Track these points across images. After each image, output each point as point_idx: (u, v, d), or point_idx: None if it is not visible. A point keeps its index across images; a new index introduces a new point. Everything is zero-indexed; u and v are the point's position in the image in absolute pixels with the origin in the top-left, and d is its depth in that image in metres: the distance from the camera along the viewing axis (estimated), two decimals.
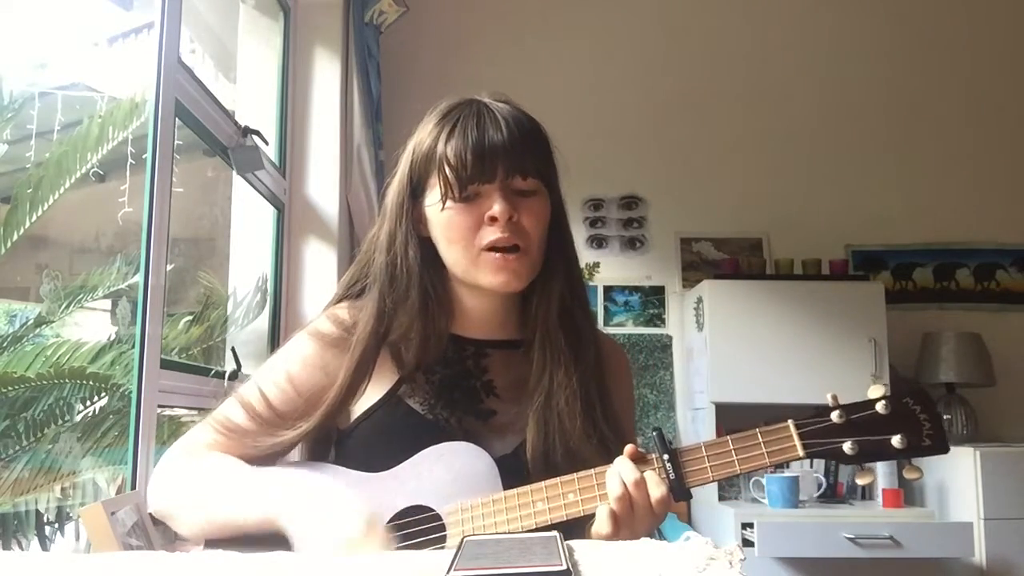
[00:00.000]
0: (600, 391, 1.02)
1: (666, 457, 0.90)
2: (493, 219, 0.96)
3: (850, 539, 2.42)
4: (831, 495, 2.74)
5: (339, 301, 1.10)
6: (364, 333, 1.01)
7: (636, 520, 0.88)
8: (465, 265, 0.99)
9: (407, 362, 1.02)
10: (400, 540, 0.92)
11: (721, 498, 2.78)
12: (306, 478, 0.93)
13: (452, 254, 1.00)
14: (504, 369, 1.06)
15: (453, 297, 1.05)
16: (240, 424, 1.01)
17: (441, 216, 0.99)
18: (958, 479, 2.66)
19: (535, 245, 1.00)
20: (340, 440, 1.07)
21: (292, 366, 1.04)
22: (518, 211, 0.97)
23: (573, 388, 0.99)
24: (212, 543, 0.96)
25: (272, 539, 0.92)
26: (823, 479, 2.71)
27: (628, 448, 0.92)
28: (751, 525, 2.48)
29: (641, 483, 0.89)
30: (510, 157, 0.97)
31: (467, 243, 0.98)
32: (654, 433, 0.92)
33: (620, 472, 0.90)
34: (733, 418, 2.67)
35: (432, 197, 1.00)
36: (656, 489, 0.89)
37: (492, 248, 0.97)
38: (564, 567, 0.58)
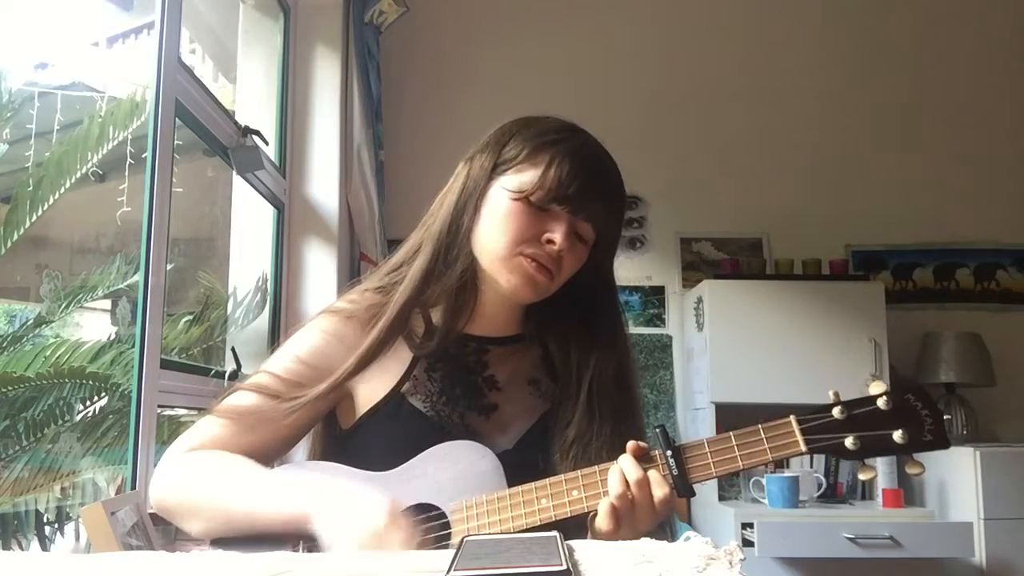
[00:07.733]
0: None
1: (669, 453, 0.91)
2: (550, 242, 0.99)
3: (850, 539, 2.42)
4: (831, 495, 2.74)
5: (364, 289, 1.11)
6: (411, 284, 1.03)
7: (637, 518, 0.89)
8: (498, 255, 1.01)
9: (430, 331, 1.04)
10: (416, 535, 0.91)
11: (721, 498, 2.78)
12: (324, 477, 0.93)
13: (493, 239, 1.01)
14: (504, 363, 1.07)
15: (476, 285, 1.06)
16: (248, 404, 1.00)
17: (507, 203, 1.00)
18: (958, 479, 2.66)
19: (561, 280, 1.03)
20: (342, 440, 1.06)
21: (306, 337, 1.05)
22: (568, 249, 1.00)
23: (611, 441, 1.01)
24: (218, 542, 0.96)
25: (282, 538, 0.92)
26: (823, 479, 2.70)
27: (631, 445, 0.92)
28: (751, 525, 2.48)
29: (643, 482, 0.89)
30: (601, 208, 1.02)
31: (512, 240, 1.00)
32: (657, 430, 0.92)
33: (623, 469, 0.90)
34: (733, 418, 2.66)
35: (513, 181, 1.01)
36: (659, 489, 0.90)
37: (530, 258, 1.00)
38: (564, 567, 0.58)
